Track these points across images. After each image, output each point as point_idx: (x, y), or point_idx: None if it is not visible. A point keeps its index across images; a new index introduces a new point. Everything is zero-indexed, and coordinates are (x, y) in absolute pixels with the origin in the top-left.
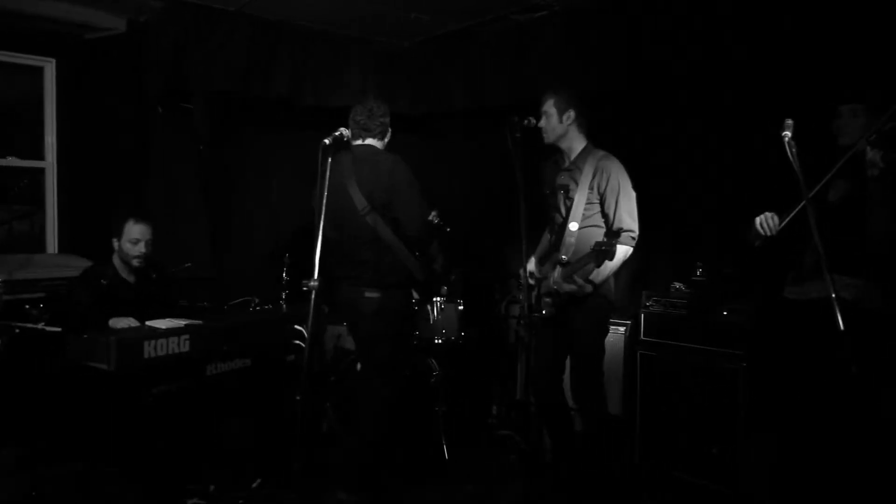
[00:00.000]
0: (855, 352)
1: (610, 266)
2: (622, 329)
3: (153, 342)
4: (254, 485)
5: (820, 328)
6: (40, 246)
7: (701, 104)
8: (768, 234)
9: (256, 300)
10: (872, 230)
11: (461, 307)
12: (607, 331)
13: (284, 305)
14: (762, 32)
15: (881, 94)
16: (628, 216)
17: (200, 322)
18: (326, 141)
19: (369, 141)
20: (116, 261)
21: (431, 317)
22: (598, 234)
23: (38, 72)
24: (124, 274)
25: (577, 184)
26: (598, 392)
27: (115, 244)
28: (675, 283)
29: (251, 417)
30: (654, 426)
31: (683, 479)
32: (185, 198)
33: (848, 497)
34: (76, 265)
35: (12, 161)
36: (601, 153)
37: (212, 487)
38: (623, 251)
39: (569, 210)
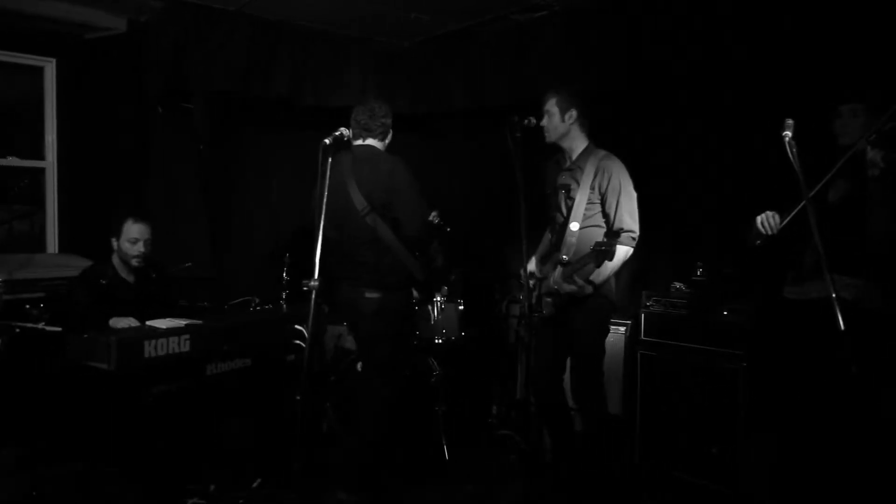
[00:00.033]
0: (855, 352)
1: (610, 266)
2: (622, 329)
3: (153, 342)
4: (254, 485)
5: (820, 328)
6: (40, 246)
7: (701, 104)
8: (769, 232)
9: (256, 300)
10: (872, 230)
11: (461, 307)
12: (608, 331)
13: (284, 305)
14: (762, 32)
15: (881, 94)
16: (629, 216)
17: (201, 322)
18: (327, 141)
19: (370, 141)
20: (116, 260)
21: (431, 317)
22: (599, 235)
23: (39, 72)
24: (123, 274)
25: (578, 183)
26: (599, 392)
27: (114, 244)
28: (676, 283)
29: (251, 417)
30: (654, 426)
31: (683, 479)
32: (185, 198)
33: (848, 497)
34: (76, 265)
35: (12, 161)
36: (603, 153)
37: (212, 487)
38: (623, 251)
39: (570, 210)
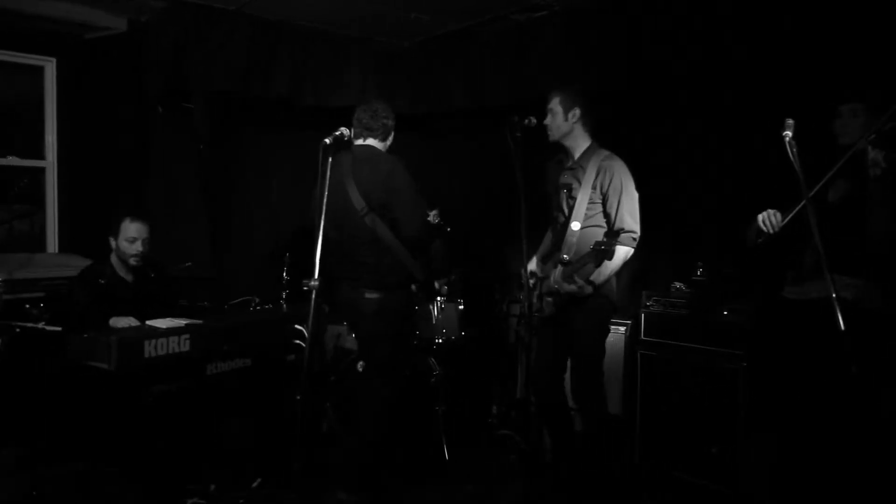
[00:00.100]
0: (855, 352)
1: (610, 266)
2: (622, 329)
3: (153, 342)
4: (254, 485)
5: (820, 328)
6: (40, 245)
7: (701, 104)
8: (771, 230)
9: (256, 300)
10: (872, 230)
11: (461, 307)
12: (608, 331)
13: (284, 305)
14: (762, 32)
15: (881, 94)
16: (630, 216)
17: (201, 322)
18: (327, 141)
19: (370, 141)
20: (114, 260)
21: (432, 317)
22: (601, 234)
23: (39, 71)
24: (122, 273)
25: (580, 183)
26: (599, 392)
27: (112, 243)
28: (676, 283)
29: (251, 417)
30: (654, 426)
31: (683, 479)
32: (185, 198)
33: (848, 497)
34: (76, 265)
35: (12, 161)
36: (605, 153)
37: (212, 487)
38: (623, 252)
39: (571, 209)
